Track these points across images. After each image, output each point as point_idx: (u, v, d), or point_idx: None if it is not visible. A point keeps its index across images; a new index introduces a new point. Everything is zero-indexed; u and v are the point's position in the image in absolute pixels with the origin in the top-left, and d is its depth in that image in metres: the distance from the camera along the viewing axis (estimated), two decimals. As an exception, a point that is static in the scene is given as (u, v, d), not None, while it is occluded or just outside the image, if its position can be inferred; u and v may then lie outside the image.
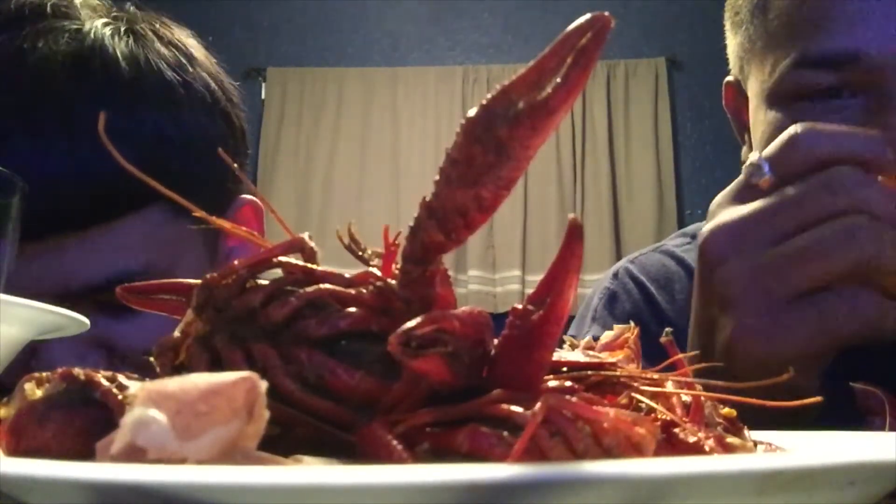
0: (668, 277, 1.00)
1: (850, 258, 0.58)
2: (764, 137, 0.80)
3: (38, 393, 0.36)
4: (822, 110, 0.75)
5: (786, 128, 0.72)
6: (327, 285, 0.37)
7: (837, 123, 0.70)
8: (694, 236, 1.04)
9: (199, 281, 0.38)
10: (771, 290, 0.60)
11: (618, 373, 0.38)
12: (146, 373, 0.38)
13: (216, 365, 0.36)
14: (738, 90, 0.92)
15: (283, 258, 0.39)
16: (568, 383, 0.34)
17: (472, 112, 0.33)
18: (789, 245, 0.60)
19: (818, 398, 0.38)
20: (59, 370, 0.36)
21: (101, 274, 0.75)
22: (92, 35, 0.79)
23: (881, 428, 0.57)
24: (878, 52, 0.72)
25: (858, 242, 0.58)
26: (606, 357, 0.41)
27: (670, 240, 1.09)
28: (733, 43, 0.90)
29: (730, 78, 0.94)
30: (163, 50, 0.83)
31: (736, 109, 0.94)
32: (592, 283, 1.23)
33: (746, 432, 0.43)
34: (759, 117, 0.82)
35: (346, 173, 4.21)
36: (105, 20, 0.82)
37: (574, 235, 0.33)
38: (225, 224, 0.42)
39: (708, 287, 0.65)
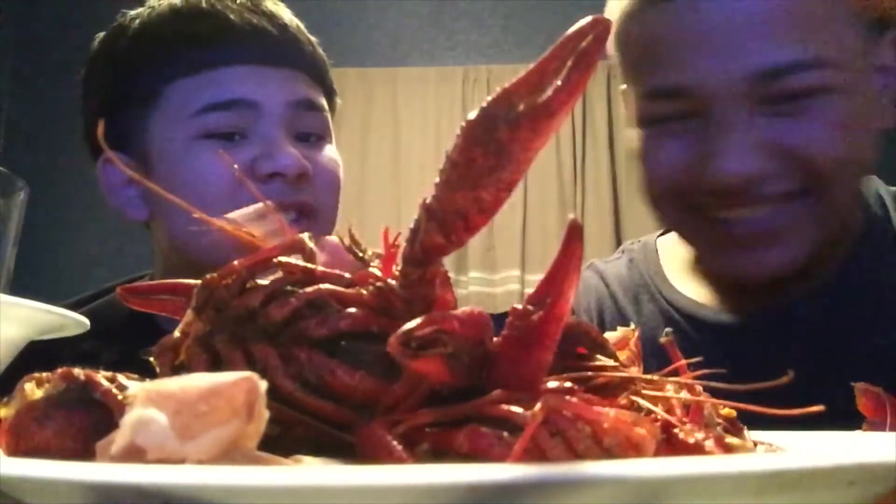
0: (590, 296, 1.12)
1: None
2: (634, 153, 0.93)
3: (38, 393, 0.35)
4: (668, 132, 0.88)
5: (647, 146, 0.91)
6: (327, 285, 0.37)
7: (684, 143, 0.86)
8: (624, 251, 1.17)
9: (198, 281, 0.38)
10: None
11: (618, 374, 0.38)
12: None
13: (216, 365, 0.36)
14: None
15: (282, 258, 0.39)
16: (568, 384, 0.34)
17: (472, 114, 0.33)
18: None
19: (820, 407, 0.38)
20: (59, 370, 0.36)
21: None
22: None
23: (881, 428, 0.57)
24: (703, 84, 0.83)
25: None
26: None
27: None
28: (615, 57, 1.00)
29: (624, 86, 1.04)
30: None
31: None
32: (592, 282, 1.28)
33: (746, 432, 0.43)
34: (630, 132, 0.95)
35: (346, 173, 4.18)
36: None
37: (574, 236, 0.33)
38: (225, 225, 0.42)
39: None
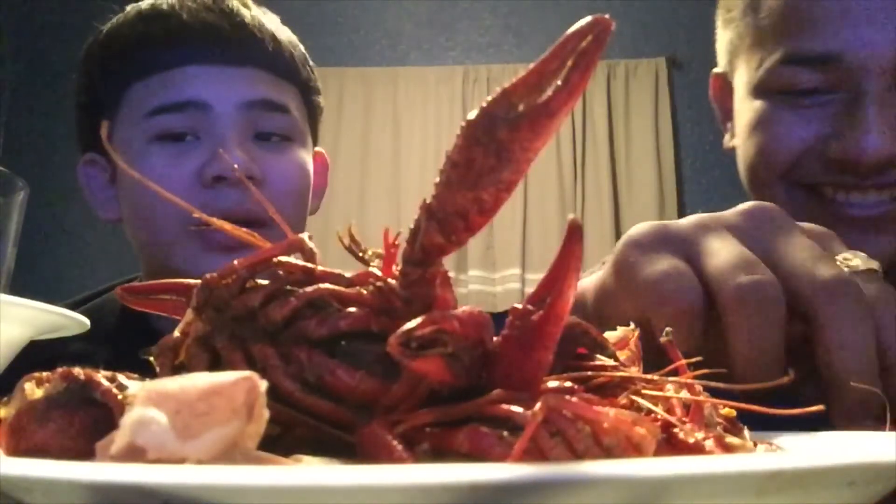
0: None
1: None
2: (749, 125, 0.88)
3: (38, 393, 0.35)
4: (804, 104, 0.83)
5: (769, 117, 0.84)
6: (327, 285, 0.37)
7: (816, 116, 0.81)
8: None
9: (198, 281, 0.38)
10: None
11: (618, 374, 0.38)
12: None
13: (216, 365, 0.36)
14: (725, 81, 0.99)
15: (283, 258, 0.39)
16: (568, 383, 0.34)
17: (472, 114, 0.33)
18: None
19: (820, 406, 0.38)
20: (59, 370, 0.36)
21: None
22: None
23: (881, 428, 0.57)
24: (857, 54, 0.79)
25: None
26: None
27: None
28: (724, 38, 0.97)
29: (717, 70, 1.01)
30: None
31: (721, 99, 1.01)
32: (592, 283, 1.27)
33: (746, 433, 0.43)
34: (745, 106, 0.89)
35: (347, 173, 4.21)
36: None
37: (574, 236, 0.32)
38: (225, 225, 0.42)
39: None
